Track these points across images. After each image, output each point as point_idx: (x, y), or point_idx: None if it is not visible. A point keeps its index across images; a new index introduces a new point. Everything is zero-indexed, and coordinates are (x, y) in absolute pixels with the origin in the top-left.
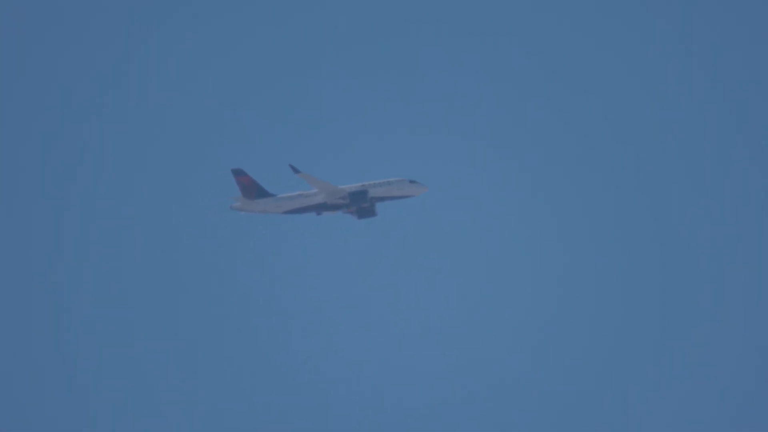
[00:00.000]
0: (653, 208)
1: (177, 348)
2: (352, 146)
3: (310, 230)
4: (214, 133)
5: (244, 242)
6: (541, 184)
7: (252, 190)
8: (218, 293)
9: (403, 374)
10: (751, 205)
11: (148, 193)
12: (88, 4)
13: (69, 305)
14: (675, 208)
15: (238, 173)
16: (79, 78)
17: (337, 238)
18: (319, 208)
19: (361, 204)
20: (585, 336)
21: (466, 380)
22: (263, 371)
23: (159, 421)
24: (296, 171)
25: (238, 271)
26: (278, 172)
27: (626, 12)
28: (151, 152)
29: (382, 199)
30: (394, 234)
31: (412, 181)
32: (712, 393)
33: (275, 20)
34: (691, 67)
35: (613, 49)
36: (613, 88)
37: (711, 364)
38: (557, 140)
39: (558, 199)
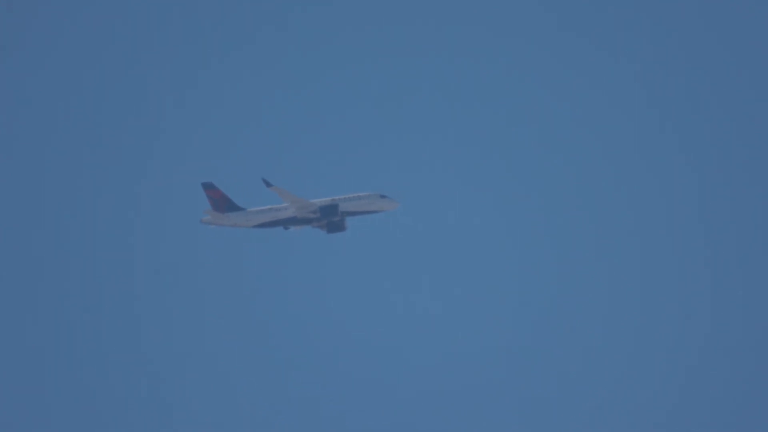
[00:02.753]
0: (638, 211)
1: (145, 360)
2: (323, 160)
3: (279, 244)
4: (186, 147)
5: (214, 255)
6: (515, 201)
7: (222, 203)
8: (187, 306)
9: (368, 390)
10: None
11: (118, 206)
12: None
13: (32, 322)
14: (671, 209)
15: (207, 187)
16: (48, 90)
17: (306, 252)
18: (290, 222)
19: (331, 218)
20: (559, 356)
21: (436, 395)
22: (230, 384)
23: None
24: (268, 185)
25: (208, 285)
26: (248, 186)
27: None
28: (120, 165)
29: (352, 213)
30: (363, 249)
31: (382, 196)
32: (711, 393)
33: (247, 34)
34: (682, 67)
35: (597, 50)
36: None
37: (709, 364)
38: (531, 155)
39: (532, 213)
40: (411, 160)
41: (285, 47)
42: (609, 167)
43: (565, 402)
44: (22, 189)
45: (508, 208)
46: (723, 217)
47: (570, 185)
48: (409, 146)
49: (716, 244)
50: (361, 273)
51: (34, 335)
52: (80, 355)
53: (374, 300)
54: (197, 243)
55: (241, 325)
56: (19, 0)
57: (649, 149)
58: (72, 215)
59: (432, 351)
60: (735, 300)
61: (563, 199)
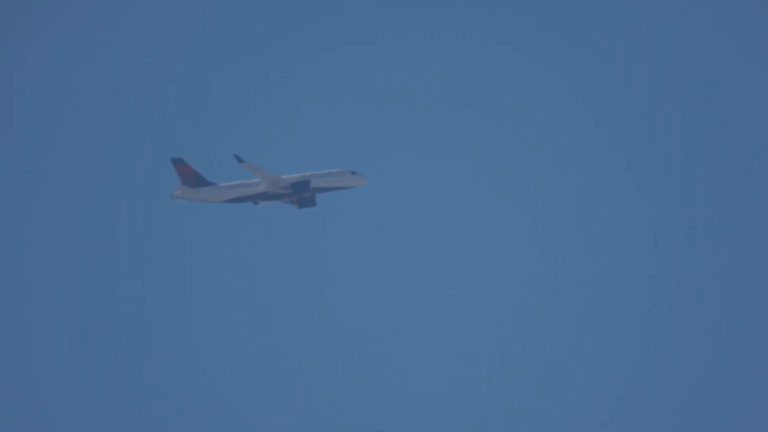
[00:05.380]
0: (627, 205)
1: (117, 336)
2: (294, 136)
3: (250, 219)
4: (157, 122)
5: (184, 231)
6: (485, 179)
7: (192, 179)
8: (159, 281)
9: (341, 365)
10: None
11: (89, 182)
12: None
13: (13, 293)
14: (669, 209)
15: (177, 162)
16: (18, 63)
17: (278, 226)
18: (261, 197)
19: (302, 194)
20: (527, 326)
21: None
22: (196, 359)
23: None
24: (240, 160)
25: (177, 259)
26: (219, 162)
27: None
28: (92, 140)
29: (323, 189)
30: (333, 224)
31: (353, 173)
32: (712, 393)
33: (222, 7)
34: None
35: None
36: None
37: (709, 364)
38: (501, 134)
39: (507, 192)
40: (381, 138)
41: (262, 26)
42: (587, 162)
43: (546, 391)
44: None
45: (490, 185)
46: (722, 218)
47: (548, 171)
48: (380, 124)
49: (714, 244)
50: (332, 248)
51: (15, 310)
52: (51, 330)
53: (346, 275)
54: (167, 217)
55: (212, 300)
56: None
57: (643, 150)
58: (45, 190)
59: (400, 322)
60: (733, 300)
61: (541, 181)
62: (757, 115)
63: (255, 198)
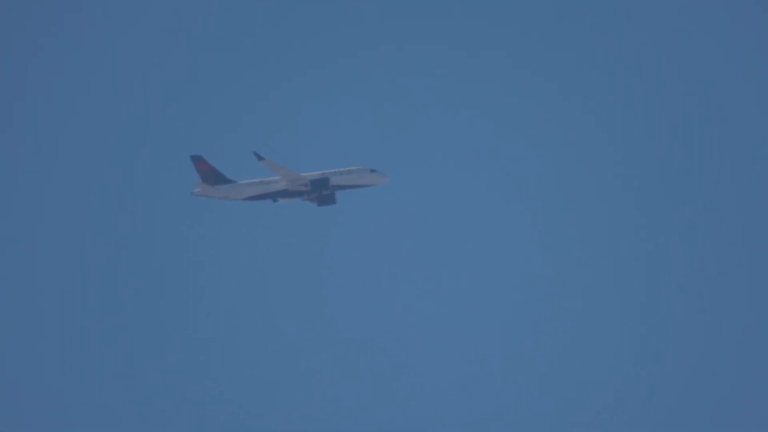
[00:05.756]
0: (636, 206)
1: (140, 333)
2: (313, 134)
3: (270, 217)
4: (178, 119)
5: (205, 227)
6: (500, 182)
7: (211, 176)
8: (179, 278)
9: (356, 364)
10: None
11: (109, 178)
12: None
13: (32, 291)
14: (671, 210)
15: (196, 160)
16: (36, 62)
17: (298, 224)
18: (280, 194)
19: (322, 191)
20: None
21: (422, 369)
22: (218, 357)
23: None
24: (260, 158)
25: (198, 256)
26: (239, 159)
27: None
28: (112, 137)
29: (342, 187)
30: (353, 221)
31: (372, 171)
32: (711, 393)
33: (240, 5)
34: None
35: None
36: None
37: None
38: (520, 135)
39: (517, 192)
40: (403, 138)
41: (279, 27)
42: (607, 163)
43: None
44: (9, 163)
45: (502, 188)
46: (722, 218)
47: (563, 173)
48: (401, 124)
49: (714, 245)
50: (352, 246)
51: (26, 310)
52: (71, 327)
53: (365, 276)
54: (188, 214)
55: (233, 299)
56: None
57: (642, 151)
58: (64, 188)
59: (417, 323)
60: (732, 300)
61: (558, 185)
62: (753, 116)
63: (274, 196)
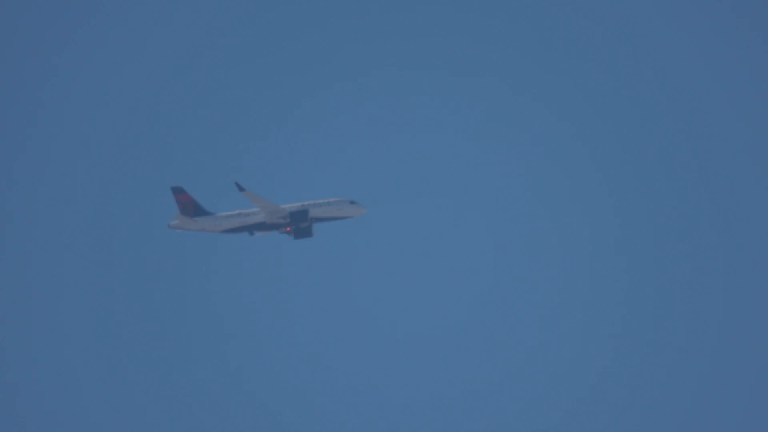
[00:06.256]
0: (645, 209)
1: (110, 361)
2: (288, 164)
3: (246, 250)
4: (156, 150)
5: (182, 261)
6: (487, 204)
7: (191, 208)
8: (154, 310)
9: (331, 396)
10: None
11: (87, 208)
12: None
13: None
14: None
15: (177, 191)
16: (19, 88)
17: (274, 258)
18: (258, 227)
19: (300, 224)
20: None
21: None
22: (193, 388)
23: None
24: (241, 189)
25: (173, 290)
26: (214, 191)
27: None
28: (91, 167)
29: (321, 219)
30: (330, 255)
31: (352, 202)
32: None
33: (221, 31)
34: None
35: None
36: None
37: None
38: (501, 157)
39: (503, 214)
40: (380, 164)
41: (259, 50)
42: (594, 167)
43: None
44: None
45: (481, 211)
46: (721, 219)
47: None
48: (379, 150)
49: (711, 245)
50: (329, 279)
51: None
52: (42, 359)
53: (344, 307)
54: (163, 247)
55: (206, 332)
56: None
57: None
58: (43, 215)
59: (398, 355)
60: (731, 300)
61: (535, 198)
62: (747, 119)
63: (252, 228)
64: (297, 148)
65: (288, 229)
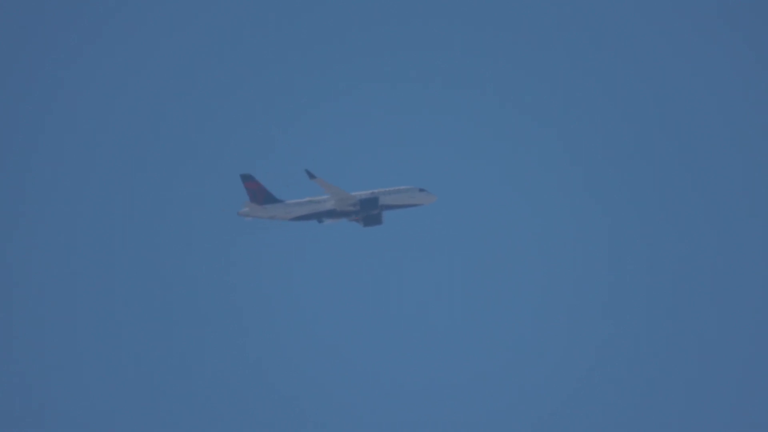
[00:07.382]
0: (668, 214)
1: (181, 352)
2: (360, 153)
3: (316, 237)
4: (226, 138)
5: (251, 248)
6: (547, 196)
7: (260, 195)
8: (222, 299)
9: (399, 382)
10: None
11: (157, 197)
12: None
13: (75, 309)
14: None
15: (246, 179)
16: (81, 76)
17: (344, 245)
18: (328, 214)
19: (370, 211)
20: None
21: (464, 389)
22: (263, 373)
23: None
24: (312, 176)
25: (243, 277)
26: (282, 178)
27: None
28: (160, 156)
29: (391, 207)
30: (400, 242)
31: (421, 190)
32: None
33: (288, 22)
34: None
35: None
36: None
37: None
38: (563, 151)
39: (566, 207)
40: (448, 155)
41: (322, 42)
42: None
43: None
44: (54, 180)
45: (551, 204)
46: (721, 220)
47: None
48: (446, 141)
49: (712, 246)
50: (397, 266)
51: (66, 329)
52: (114, 348)
53: (413, 295)
54: (233, 235)
55: (273, 319)
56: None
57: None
58: (110, 207)
59: (458, 340)
60: (731, 300)
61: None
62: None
63: (321, 215)
64: (362, 136)
65: (357, 218)
